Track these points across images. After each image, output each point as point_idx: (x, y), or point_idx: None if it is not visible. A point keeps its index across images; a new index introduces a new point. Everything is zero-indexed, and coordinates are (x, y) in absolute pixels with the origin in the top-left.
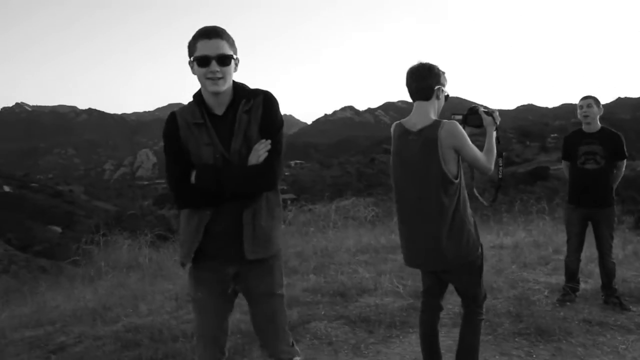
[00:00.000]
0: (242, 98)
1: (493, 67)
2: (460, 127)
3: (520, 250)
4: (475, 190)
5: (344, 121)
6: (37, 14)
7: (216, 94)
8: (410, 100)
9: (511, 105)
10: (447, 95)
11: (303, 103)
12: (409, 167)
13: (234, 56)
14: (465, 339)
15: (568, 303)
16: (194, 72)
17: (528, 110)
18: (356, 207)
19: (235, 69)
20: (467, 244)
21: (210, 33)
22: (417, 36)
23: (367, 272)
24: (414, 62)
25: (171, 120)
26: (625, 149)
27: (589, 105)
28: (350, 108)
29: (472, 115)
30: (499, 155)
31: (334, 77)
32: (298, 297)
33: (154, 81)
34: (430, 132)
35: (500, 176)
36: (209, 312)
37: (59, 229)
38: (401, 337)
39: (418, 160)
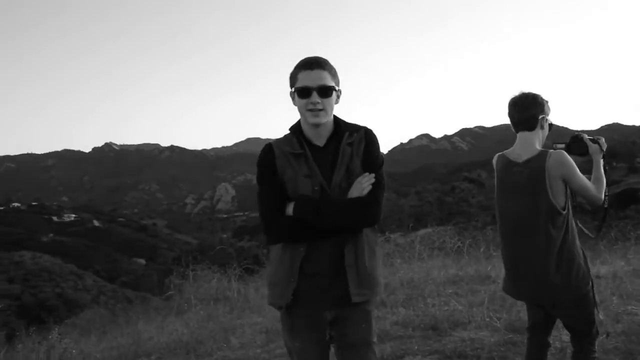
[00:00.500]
0: (345, 131)
1: (572, 85)
2: (569, 156)
3: (620, 280)
4: (578, 222)
5: (421, 149)
6: (122, 64)
7: (316, 125)
8: (487, 125)
9: (594, 126)
10: (551, 124)
11: (378, 132)
12: (515, 198)
13: (336, 87)
14: None
15: None
16: (294, 104)
17: (613, 129)
18: (440, 236)
19: (337, 101)
20: (576, 277)
21: (313, 64)
22: (487, 60)
23: (459, 304)
24: (516, 92)
25: (268, 150)
26: None
27: None
28: (426, 136)
29: (575, 143)
30: (607, 184)
31: (408, 105)
32: (389, 331)
33: (232, 117)
34: (538, 163)
35: (606, 206)
36: None
37: (143, 261)
38: None
39: (525, 191)
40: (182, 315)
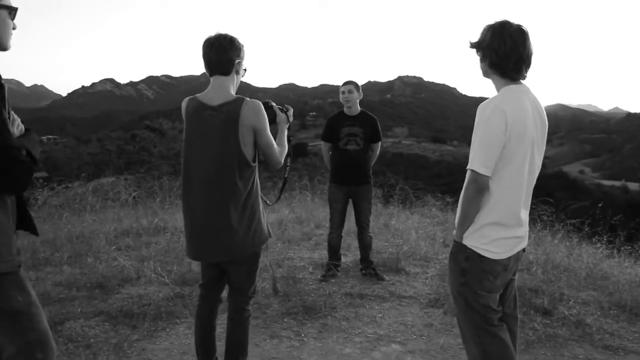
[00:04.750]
0: None
1: (258, 46)
2: (264, 109)
3: (285, 227)
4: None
5: (104, 94)
6: None
7: None
8: (175, 75)
9: (274, 84)
10: (245, 70)
11: (56, 72)
12: (203, 145)
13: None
14: (235, 337)
15: (332, 279)
16: None
17: (290, 89)
18: (116, 187)
19: None
20: (254, 233)
21: None
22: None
23: (129, 258)
24: (212, 33)
25: None
26: (380, 132)
27: (350, 91)
28: (111, 81)
29: (266, 110)
30: (288, 154)
31: (92, 47)
32: (50, 293)
33: None
34: (233, 108)
35: (286, 175)
36: None
37: None
38: (168, 330)
39: (215, 137)
40: None
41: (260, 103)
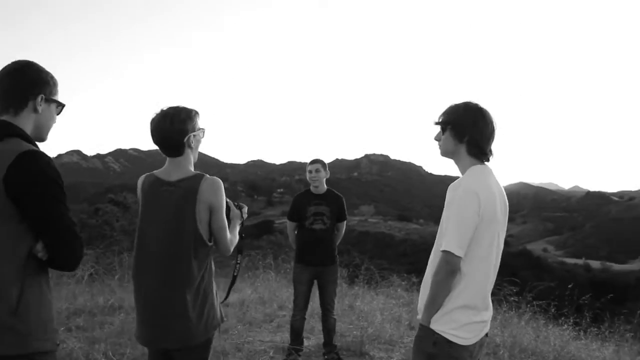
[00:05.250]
0: None
1: (227, 123)
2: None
3: (247, 308)
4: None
5: (70, 166)
6: None
7: None
8: (143, 148)
9: (242, 160)
10: (204, 130)
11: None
12: (158, 221)
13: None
14: None
15: None
16: None
17: (257, 165)
18: None
19: None
20: (207, 318)
21: None
22: (142, 79)
23: (79, 340)
24: (157, 110)
25: None
26: (346, 211)
27: (317, 170)
28: (78, 152)
29: None
30: (239, 251)
31: (59, 118)
32: None
33: None
34: (191, 183)
35: (235, 274)
36: None
37: None
38: None
39: (172, 213)
40: None
41: (220, 181)
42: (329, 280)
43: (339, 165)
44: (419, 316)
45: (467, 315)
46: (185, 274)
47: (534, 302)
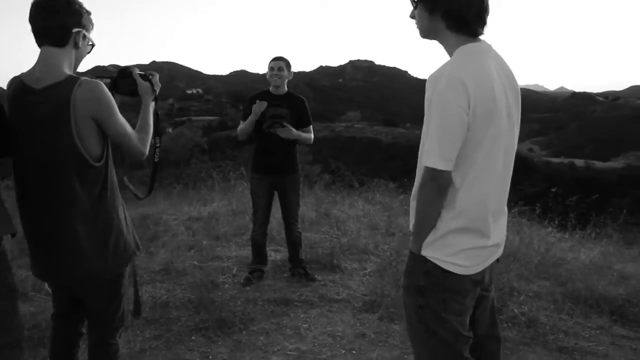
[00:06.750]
0: None
1: (206, 33)
2: (107, 91)
3: (217, 222)
4: (125, 179)
5: None
6: None
7: None
8: (122, 64)
9: (224, 71)
10: (93, 45)
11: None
12: (28, 143)
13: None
14: None
15: (254, 283)
16: None
17: (240, 75)
18: None
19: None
20: (115, 250)
21: None
22: None
23: None
24: None
25: None
26: (310, 116)
27: (280, 68)
28: None
29: (123, 78)
30: (156, 133)
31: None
32: None
33: None
34: (62, 92)
35: (156, 160)
36: None
37: None
38: None
39: (42, 132)
40: None
41: (99, 83)
42: (290, 189)
43: (323, 72)
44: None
45: (467, 239)
46: (70, 203)
47: (519, 205)
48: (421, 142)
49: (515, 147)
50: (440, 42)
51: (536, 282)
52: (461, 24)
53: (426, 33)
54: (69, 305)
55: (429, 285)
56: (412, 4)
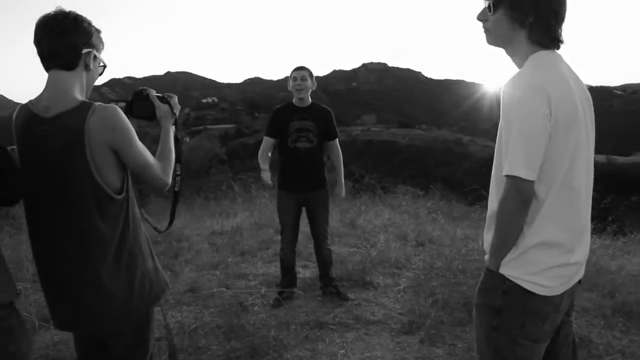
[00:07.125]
0: None
1: (220, 42)
2: (124, 117)
3: (240, 236)
4: (142, 211)
5: None
6: None
7: None
8: (138, 76)
9: (238, 79)
10: (105, 66)
11: (14, 81)
12: (41, 177)
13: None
14: None
15: (284, 304)
16: None
17: (255, 83)
18: None
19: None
20: (141, 290)
21: None
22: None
23: None
24: (50, 10)
25: None
26: (336, 128)
27: (303, 78)
28: None
29: (139, 101)
30: (177, 160)
31: None
32: None
33: None
34: (74, 120)
35: (176, 189)
36: None
37: None
38: None
39: (55, 165)
40: None
41: (116, 108)
42: (319, 206)
43: (337, 76)
44: (487, 257)
45: (550, 255)
46: (93, 242)
47: None
48: (496, 155)
49: (592, 156)
50: (510, 50)
51: (581, 293)
52: (546, 36)
53: (499, 40)
54: (93, 351)
55: (506, 306)
56: (489, 8)
